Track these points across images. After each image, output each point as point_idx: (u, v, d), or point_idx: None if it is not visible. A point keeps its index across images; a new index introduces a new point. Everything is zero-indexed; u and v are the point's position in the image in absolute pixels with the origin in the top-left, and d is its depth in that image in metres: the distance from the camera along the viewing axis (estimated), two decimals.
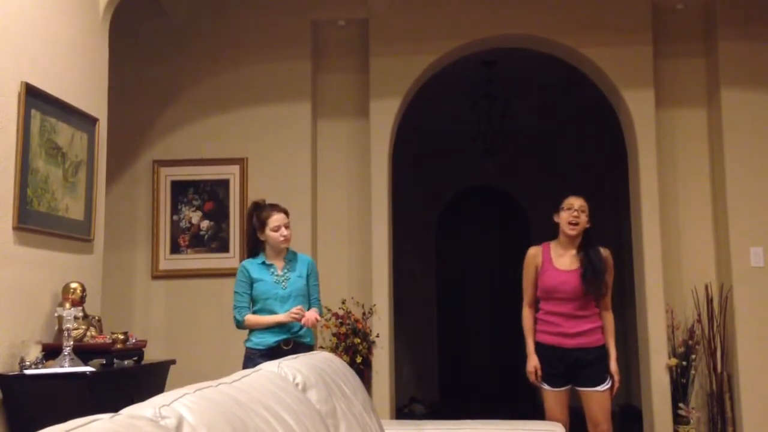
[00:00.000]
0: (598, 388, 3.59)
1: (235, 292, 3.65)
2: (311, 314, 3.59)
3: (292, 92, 5.34)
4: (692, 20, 5.35)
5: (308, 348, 3.64)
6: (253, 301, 3.64)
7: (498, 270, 8.57)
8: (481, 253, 8.70)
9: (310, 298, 3.72)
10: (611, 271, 3.71)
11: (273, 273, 3.64)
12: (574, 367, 3.60)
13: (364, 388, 2.49)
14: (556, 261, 3.66)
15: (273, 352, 3.45)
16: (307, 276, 3.72)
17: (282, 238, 3.63)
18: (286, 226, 3.66)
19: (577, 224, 3.63)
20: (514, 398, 8.05)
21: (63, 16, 3.63)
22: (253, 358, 3.52)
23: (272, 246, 3.65)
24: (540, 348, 3.66)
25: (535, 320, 3.73)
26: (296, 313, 3.53)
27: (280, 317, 3.56)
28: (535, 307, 3.75)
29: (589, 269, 3.59)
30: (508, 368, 8.33)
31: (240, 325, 3.65)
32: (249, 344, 3.64)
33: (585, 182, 6.74)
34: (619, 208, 7.08)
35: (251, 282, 3.62)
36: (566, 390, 3.63)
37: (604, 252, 3.70)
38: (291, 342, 3.58)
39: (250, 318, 3.62)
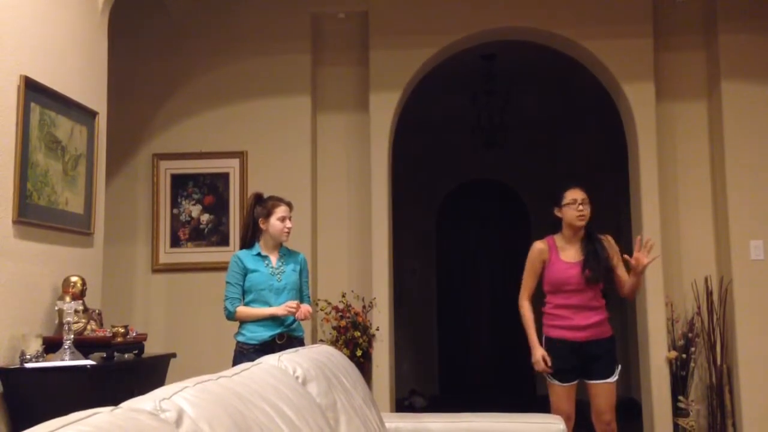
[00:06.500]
0: (609, 380, 3.61)
1: (228, 283, 3.62)
2: (305, 307, 3.60)
3: (292, 85, 5.33)
4: (692, 13, 5.34)
5: (301, 341, 3.64)
6: (246, 292, 3.61)
7: (498, 262, 8.58)
8: (481, 245, 8.71)
9: (301, 293, 3.73)
10: (619, 255, 3.72)
11: (268, 265, 3.63)
12: (585, 360, 3.61)
13: (364, 381, 2.49)
14: (563, 254, 3.67)
15: (267, 347, 3.45)
16: (300, 272, 3.72)
17: (286, 230, 3.64)
18: (290, 219, 3.68)
19: (584, 217, 3.63)
20: (514, 391, 8.07)
21: (62, 10, 3.62)
22: (246, 353, 3.49)
23: (273, 236, 3.65)
24: (551, 342, 3.65)
25: (543, 314, 3.73)
26: (292, 308, 3.52)
27: (276, 310, 3.53)
28: (539, 301, 3.75)
29: (593, 258, 3.60)
30: (508, 361, 8.35)
31: (231, 316, 3.62)
32: (241, 338, 3.61)
33: (584, 175, 6.73)
34: (618, 201, 7.08)
35: (245, 273, 3.60)
36: (575, 384, 3.64)
37: (606, 239, 3.71)
38: (285, 336, 3.58)
39: (243, 310, 3.59)
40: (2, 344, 3.08)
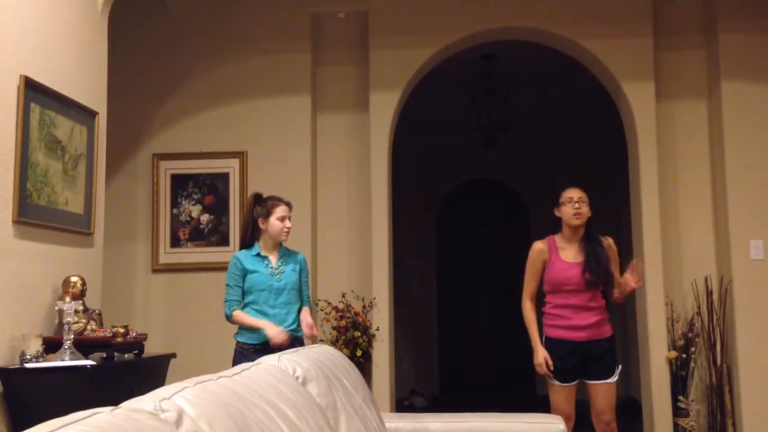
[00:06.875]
0: (608, 381, 3.62)
1: (227, 285, 3.62)
2: (307, 319, 3.60)
3: (292, 85, 5.33)
4: (692, 12, 5.34)
5: (301, 341, 3.64)
6: (246, 293, 3.61)
7: (498, 262, 8.58)
8: (481, 245, 8.71)
9: (301, 294, 3.73)
10: (616, 260, 3.73)
11: (268, 265, 3.63)
12: (585, 360, 3.61)
13: (364, 381, 2.49)
14: (563, 254, 3.68)
15: (267, 347, 3.44)
16: (299, 272, 3.72)
17: (285, 230, 3.64)
18: (289, 219, 3.68)
19: (580, 215, 3.64)
20: (514, 391, 8.07)
21: (62, 10, 3.62)
22: (246, 353, 3.50)
23: (272, 236, 3.64)
24: (551, 342, 3.65)
25: (543, 314, 3.73)
26: (283, 341, 3.46)
27: (267, 329, 3.50)
28: (539, 301, 3.75)
29: (593, 260, 3.61)
30: (508, 361, 8.35)
31: (229, 319, 3.63)
32: (242, 339, 3.61)
33: (585, 174, 6.74)
34: (618, 201, 7.08)
35: (244, 274, 3.59)
36: (575, 384, 3.64)
37: (606, 241, 3.72)
38: None
39: (238, 314, 3.59)
40: (2, 344, 3.08)
